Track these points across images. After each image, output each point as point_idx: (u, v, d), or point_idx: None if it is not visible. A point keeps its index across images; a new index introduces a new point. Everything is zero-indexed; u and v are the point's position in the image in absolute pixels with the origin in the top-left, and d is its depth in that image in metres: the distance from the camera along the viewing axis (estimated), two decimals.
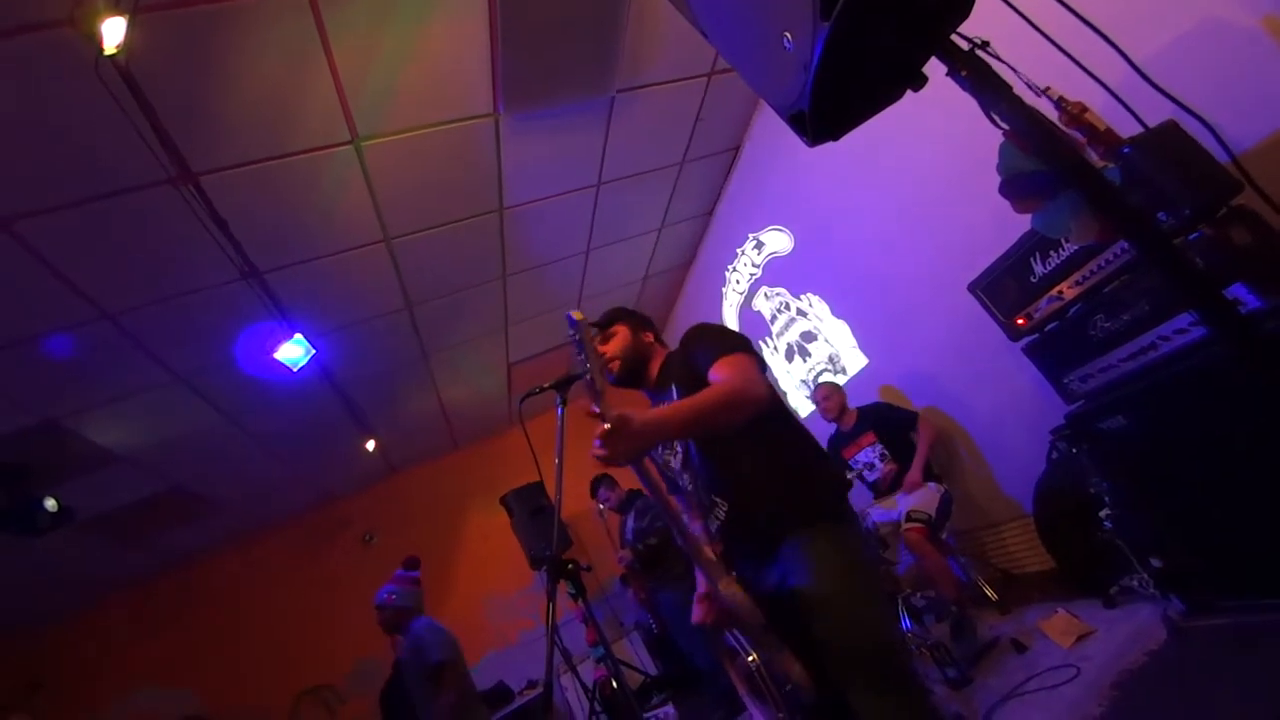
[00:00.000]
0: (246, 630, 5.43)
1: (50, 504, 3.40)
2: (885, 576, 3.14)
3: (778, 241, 4.30)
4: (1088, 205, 1.04)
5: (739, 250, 4.72)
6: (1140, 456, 2.11)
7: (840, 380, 4.17)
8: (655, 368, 1.76)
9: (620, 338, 1.77)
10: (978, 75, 1.12)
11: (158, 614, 5.29)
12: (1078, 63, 1.29)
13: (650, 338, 1.81)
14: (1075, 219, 1.03)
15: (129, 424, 3.60)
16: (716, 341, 1.56)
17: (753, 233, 4.50)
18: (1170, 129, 1.87)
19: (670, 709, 4.75)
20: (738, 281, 4.90)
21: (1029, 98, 1.16)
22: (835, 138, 1.37)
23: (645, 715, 4.75)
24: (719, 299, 5.13)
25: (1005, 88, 1.11)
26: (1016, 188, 1.09)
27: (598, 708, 4.46)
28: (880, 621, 1.40)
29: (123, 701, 4.92)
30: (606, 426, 1.25)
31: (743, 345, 1.56)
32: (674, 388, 1.65)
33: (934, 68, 1.28)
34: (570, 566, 1.62)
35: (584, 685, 4.60)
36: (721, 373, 1.47)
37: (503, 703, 4.88)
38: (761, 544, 1.52)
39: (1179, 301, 1.81)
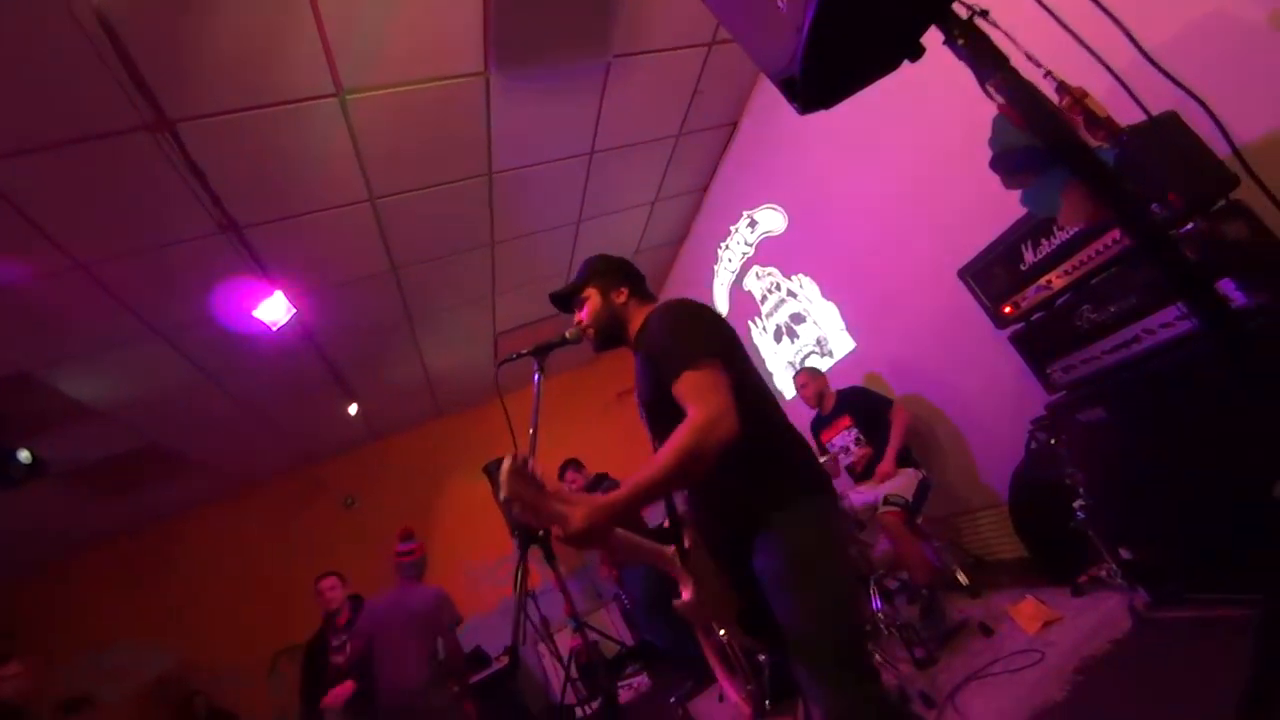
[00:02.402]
0: (225, 588, 5.44)
1: (24, 455, 3.35)
2: (861, 558, 3.16)
3: (772, 220, 4.25)
4: (1079, 185, 1.01)
5: (732, 228, 4.67)
6: (1116, 449, 2.12)
7: (827, 363, 4.17)
8: (635, 326, 1.67)
9: (591, 304, 1.70)
10: (975, 44, 1.08)
11: (134, 569, 5.29)
12: (1082, 42, 1.25)
13: (623, 296, 1.69)
14: (1065, 199, 1.00)
15: (104, 378, 3.54)
16: (684, 344, 1.43)
17: (747, 210, 4.44)
18: (1170, 119, 1.84)
19: (644, 678, 4.83)
20: (730, 260, 4.85)
21: (1027, 71, 1.12)
22: (826, 106, 1.33)
23: (619, 684, 4.83)
24: (710, 277, 5.09)
25: (1002, 58, 1.07)
26: (1007, 163, 1.05)
27: (573, 674, 4.52)
28: (841, 612, 1.37)
29: (97, 655, 4.93)
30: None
31: (712, 349, 1.43)
32: (641, 378, 1.61)
33: (932, 42, 1.24)
34: (541, 534, 1.60)
35: (559, 654, 4.66)
36: (686, 402, 1.36)
37: (480, 667, 4.93)
38: (723, 532, 1.51)
39: (1168, 292, 1.79)
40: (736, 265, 4.78)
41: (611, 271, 1.75)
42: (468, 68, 2.81)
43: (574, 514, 1.27)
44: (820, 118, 3.68)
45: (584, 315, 1.70)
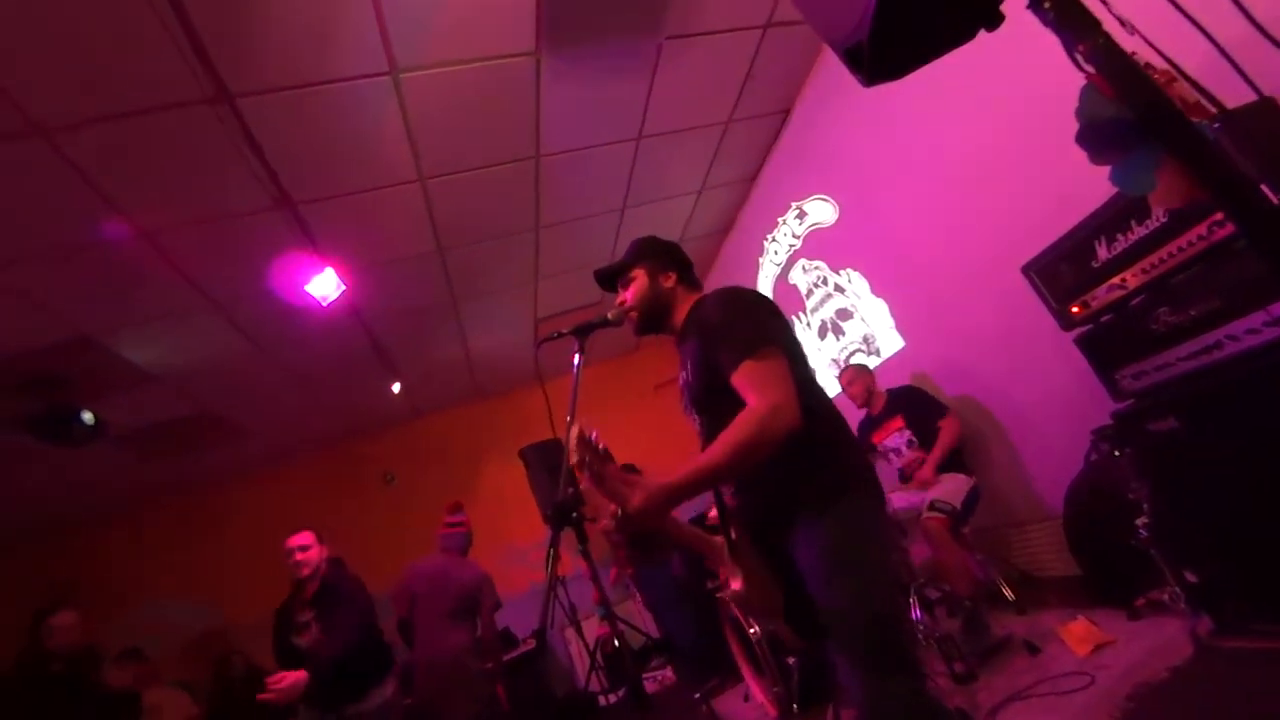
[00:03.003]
0: (267, 553, 5.61)
1: (88, 416, 3.52)
2: (901, 565, 3.05)
3: (821, 212, 4.12)
4: (1175, 162, 0.91)
5: (780, 219, 4.56)
6: (1189, 463, 1.97)
7: (874, 362, 4.04)
8: (681, 314, 1.64)
9: (639, 285, 1.66)
10: (1064, 6, 0.99)
11: (184, 530, 5.52)
12: (1184, 13, 1.13)
13: (671, 280, 1.66)
14: (1159, 176, 0.90)
15: (162, 345, 3.68)
16: (745, 332, 1.40)
17: (796, 201, 4.33)
18: (1264, 106, 1.68)
19: (668, 672, 4.80)
20: (775, 252, 4.74)
21: (1120, 37, 1.03)
22: (894, 77, 1.25)
23: (644, 676, 4.81)
24: (755, 269, 4.99)
25: (1094, 22, 0.97)
26: (1095, 136, 0.96)
27: (598, 662, 4.52)
28: (879, 600, 1.32)
29: (152, 607, 5.18)
30: (616, 513, 1.28)
31: (773, 340, 1.39)
32: (689, 364, 1.57)
33: (1011, 4, 1.15)
34: (575, 516, 1.57)
35: (585, 641, 4.67)
36: (747, 391, 1.33)
37: (508, 648, 4.98)
38: (766, 525, 1.48)
39: (1270, 289, 1.62)
40: (783, 258, 4.67)
41: (661, 254, 1.71)
42: (519, 46, 2.80)
43: (633, 494, 1.27)
44: (877, 106, 3.56)
45: (629, 296, 1.67)
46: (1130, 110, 0.95)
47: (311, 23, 2.35)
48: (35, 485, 4.38)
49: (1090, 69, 0.99)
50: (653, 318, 1.67)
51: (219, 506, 5.71)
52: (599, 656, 4.50)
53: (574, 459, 1.30)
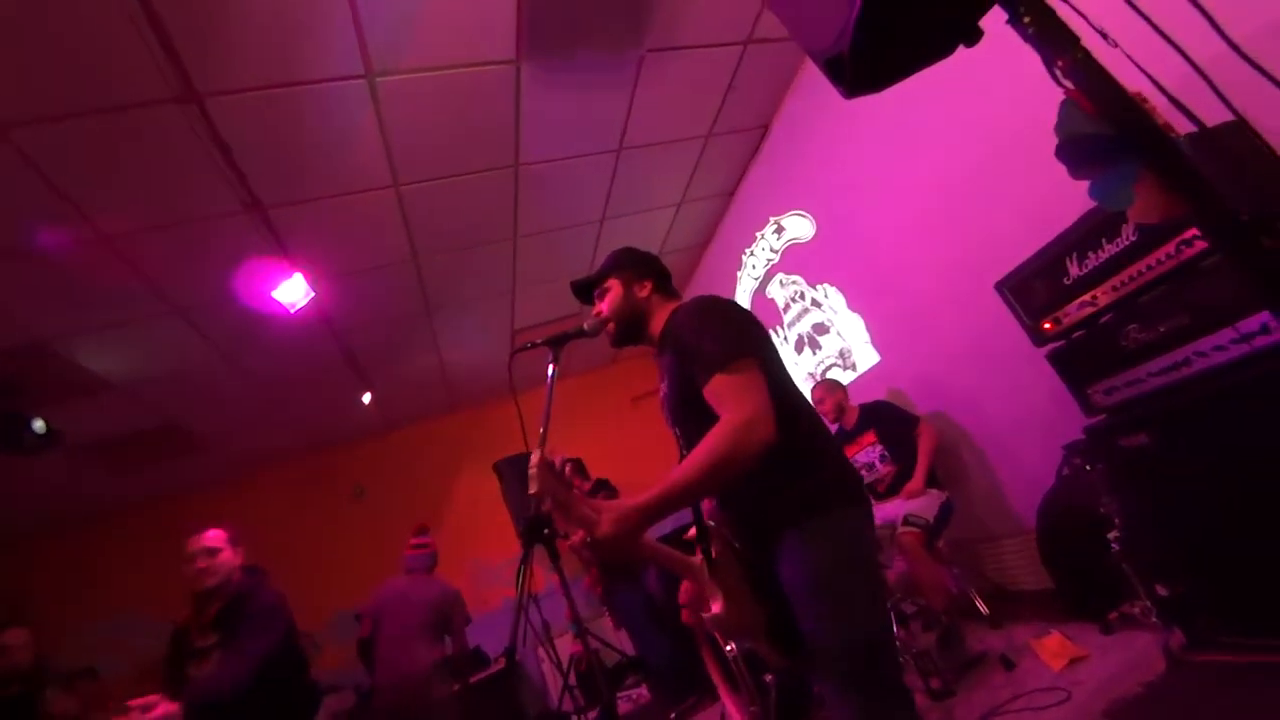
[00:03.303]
0: None
1: (39, 425, 3.36)
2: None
3: (799, 227, 4.16)
4: (1154, 178, 0.91)
5: (758, 234, 4.58)
6: (1159, 478, 2.00)
7: (849, 376, 4.06)
8: (658, 324, 1.59)
9: (613, 295, 1.62)
10: (1043, 22, 1.00)
11: (143, 544, 5.29)
12: (1160, 32, 1.15)
13: (646, 290, 1.63)
14: (1138, 192, 0.91)
15: (121, 352, 3.55)
16: (718, 343, 1.35)
17: (774, 216, 4.36)
18: (1237, 127, 1.73)
19: (643, 690, 4.72)
20: (754, 266, 4.76)
21: (1099, 54, 1.04)
22: (875, 89, 1.25)
23: (619, 694, 4.73)
24: (733, 283, 5.00)
25: (1073, 38, 0.98)
26: (1074, 151, 0.97)
27: (571, 682, 4.42)
28: (865, 623, 1.29)
29: (110, 624, 4.95)
30: (584, 538, 1.22)
31: (747, 351, 1.35)
32: (666, 376, 1.55)
33: (990, 23, 1.15)
34: (546, 532, 1.52)
35: (558, 659, 4.58)
36: (720, 405, 1.29)
37: (480, 667, 4.85)
38: (748, 537, 1.45)
39: (1253, 300, 1.64)
40: (760, 272, 4.69)
41: (637, 264, 1.68)
42: (500, 54, 2.77)
43: (602, 521, 1.21)
44: (854, 124, 3.60)
45: (604, 307, 1.63)
46: (1109, 126, 0.95)
47: (286, 22, 2.30)
48: None
49: (1069, 84, 0.99)
50: (629, 328, 1.63)
51: (182, 520, 5.46)
52: (572, 675, 4.41)
53: (534, 488, 1.24)
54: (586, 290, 1.71)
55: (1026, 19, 1.02)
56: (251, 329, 3.74)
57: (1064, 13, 1.07)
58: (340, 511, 5.89)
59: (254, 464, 5.63)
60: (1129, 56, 1.02)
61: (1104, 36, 1.00)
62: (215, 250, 3.11)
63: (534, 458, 1.27)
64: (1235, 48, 1.03)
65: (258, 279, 3.28)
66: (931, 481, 3.14)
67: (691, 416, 1.43)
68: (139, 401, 4.01)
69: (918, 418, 3.29)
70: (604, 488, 4.58)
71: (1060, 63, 1.00)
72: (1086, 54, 0.98)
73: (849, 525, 1.35)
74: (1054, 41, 1.00)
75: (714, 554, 1.44)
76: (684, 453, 1.52)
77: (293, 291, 3.27)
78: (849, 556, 1.32)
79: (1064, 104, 0.97)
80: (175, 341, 3.63)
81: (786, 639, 1.38)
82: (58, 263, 2.81)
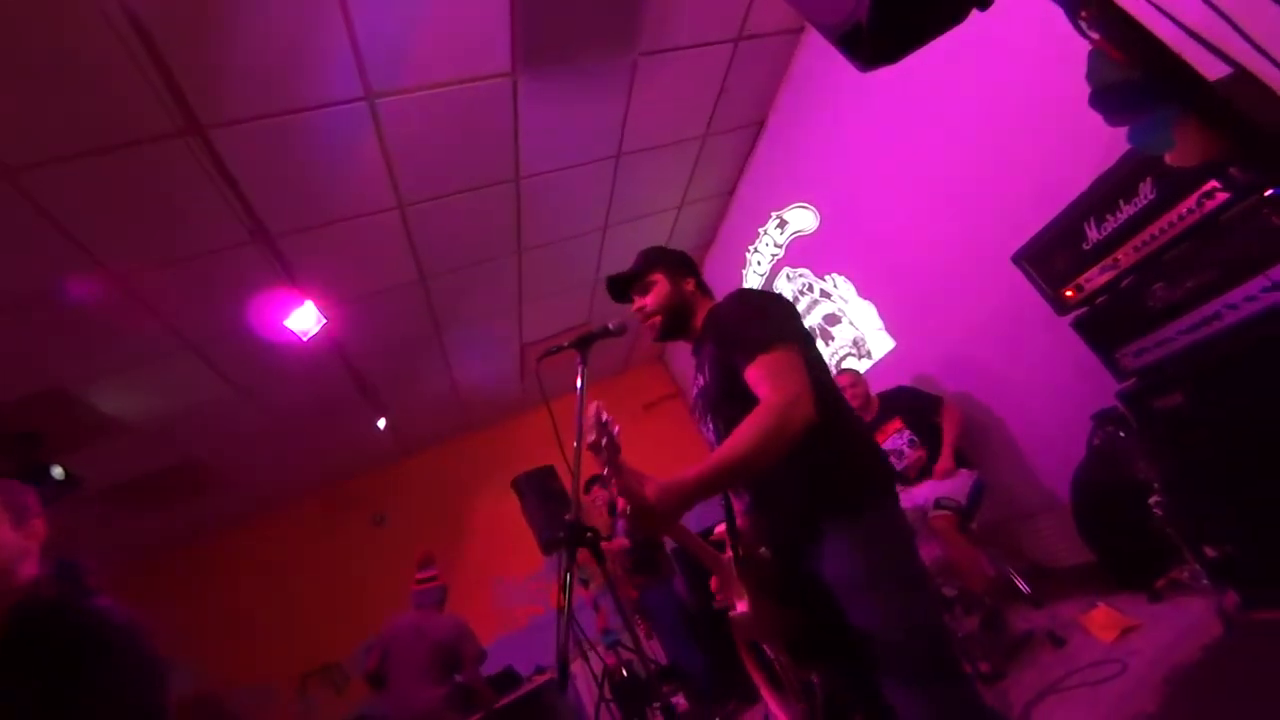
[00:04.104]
0: (255, 606, 5.41)
1: (58, 472, 3.36)
2: None
3: (802, 220, 4.15)
4: (1193, 119, 0.90)
5: (761, 230, 4.58)
6: (1198, 437, 1.96)
7: (865, 365, 4.03)
8: (699, 319, 1.61)
9: (659, 289, 1.62)
10: None
11: (166, 586, 5.28)
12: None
13: (691, 285, 1.65)
14: (1177, 134, 0.89)
15: (137, 392, 3.55)
16: (760, 328, 1.38)
17: (776, 210, 4.35)
18: (1241, 77, 1.71)
19: (681, 699, 4.66)
20: (759, 263, 4.76)
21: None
22: (892, 60, 1.24)
23: (655, 706, 4.66)
24: (739, 281, 4.99)
25: None
26: (1108, 99, 0.95)
27: (607, 695, 4.37)
28: (923, 612, 1.29)
29: None
30: (627, 509, 1.19)
31: (786, 334, 1.37)
32: (706, 368, 1.54)
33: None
34: (590, 535, 1.50)
35: (593, 672, 4.52)
36: (761, 385, 1.30)
37: (511, 686, 4.79)
38: (784, 538, 1.43)
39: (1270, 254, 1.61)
40: (766, 268, 4.68)
41: (678, 261, 1.70)
42: (495, 68, 2.79)
43: (646, 488, 1.19)
44: (851, 109, 3.60)
45: (649, 301, 1.62)
46: (1141, 72, 0.94)
47: (283, 49, 2.32)
48: None
49: (1095, 35, 0.98)
50: (676, 321, 1.63)
51: (202, 560, 5.48)
52: (607, 688, 4.35)
53: (591, 438, 1.21)
54: (624, 285, 1.69)
55: None
56: (265, 360, 3.74)
57: None
58: (362, 539, 5.87)
59: (272, 499, 5.62)
60: (1153, 3, 1.01)
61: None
62: (225, 283, 3.12)
63: (590, 408, 1.26)
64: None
65: (269, 309, 3.28)
66: (961, 461, 3.11)
67: (731, 409, 1.41)
68: (156, 442, 4.00)
69: (940, 398, 3.26)
70: (613, 511, 4.58)
71: (1084, 13, 0.98)
72: (1110, 2, 0.97)
73: (890, 516, 1.35)
74: None
75: (741, 552, 1.42)
76: (717, 444, 1.51)
77: (304, 319, 3.27)
78: (898, 546, 1.32)
79: (1092, 54, 0.96)
80: (189, 378, 3.62)
81: (811, 647, 1.36)
82: (69, 306, 2.81)
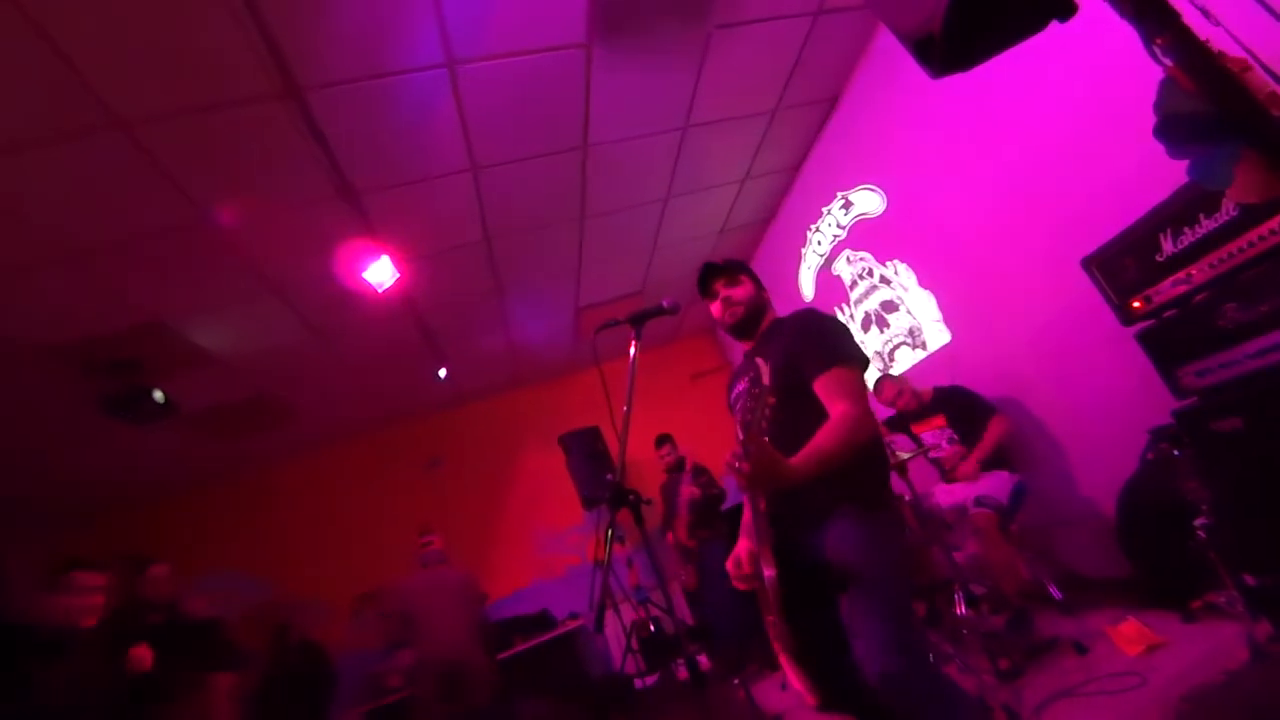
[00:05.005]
0: (318, 531, 5.87)
1: (158, 395, 3.72)
2: (946, 561, 3.02)
3: (868, 202, 4.07)
4: (1255, 157, 0.90)
5: (825, 209, 4.51)
6: (1253, 464, 1.92)
7: (918, 355, 3.99)
8: (764, 326, 1.85)
9: (747, 289, 1.86)
10: (1141, 0, 0.98)
11: (239, 506, 5.80)
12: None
13: (768, 296, 1.93)
14: (1238, 171, 0.90)
15: (225, 329, 3.87)
16: (831, 347, 1.60)
17: (842, 191, 4.28)
18: None
19: (703, 658, 4.86)
20: (819, 243, 4.70)
21: (1200, 29, 1.01)
22: (965, 68, 1.25)
23: (679, 662, 4.88)
24: (797, 260, 4.95)
25: (1173, 14, 0.97)
26: (1173, 130, 0.96)
27: (634, 646, 4.61)
28: (897, 578, 1.54)
29: (212, 579, 5.45)
30: (745, 466, 1.32)
31: (855, 356, 1.61)
32: (764, 367, 1.65)
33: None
34: (631, 499, 1.64)
35: (623, 624, 4.76)
36: (835, 399, 1.51)
37: (546, 628, 5.11)
38: (802, 519, 1.59)
39: None
40: (826, 248, 4.63)
41: (758, 277, 1.96)
42: (571, 38, 2.83)
43: (780, 465, 1.35)
44: (928, 94, 3.51)
45: (739, 293, 1.85)
46: (1210, 104, 0.94)
47: (374, 17, 2.43)
48: (103, 464, 4.67)
49: (1169, 62, 0.98)
50: (752, 319, 1.84)
51: (274, 486, 5.98)
52: (634, 640, 4.59)
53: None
54: (715, 272, 1.88)
55: None
56: (342, 307, 3.99)
57: None
58: (415, 479, 6.24)
59: (337, 434, 6.03)
60: (1231, 35, 1.00)
61: (1205, 14, 0.98)
62: (311, 233, 3.34)
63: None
64: None
65: (349, 260, 3.50)
66: (1002, 464, 3.09)
67: (786, 406, 1.56)
68: (239, 375, 4.36)
69: (994, 409, 3.22)
70: (700, 473, 4.85)
71: (1159, 40, 0.98)
72: (1187, 30, 0.97)
73: (892, 518, 1.61)
74: (1152, 17, 0.98)
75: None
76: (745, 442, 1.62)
77: (381, 272, 3.48)
78: (898, 545, 1.65)
79: (1163, 82, 0.96)
80: (271, 318, 3.92)
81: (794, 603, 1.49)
82: (173, 249, 3.08)
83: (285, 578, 5.60)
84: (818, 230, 4.68)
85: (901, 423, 3.59)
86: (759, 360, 1.62)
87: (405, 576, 4.07)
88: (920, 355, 3.99)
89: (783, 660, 2.69)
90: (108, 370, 3.65)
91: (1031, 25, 1.22)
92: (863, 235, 4.23)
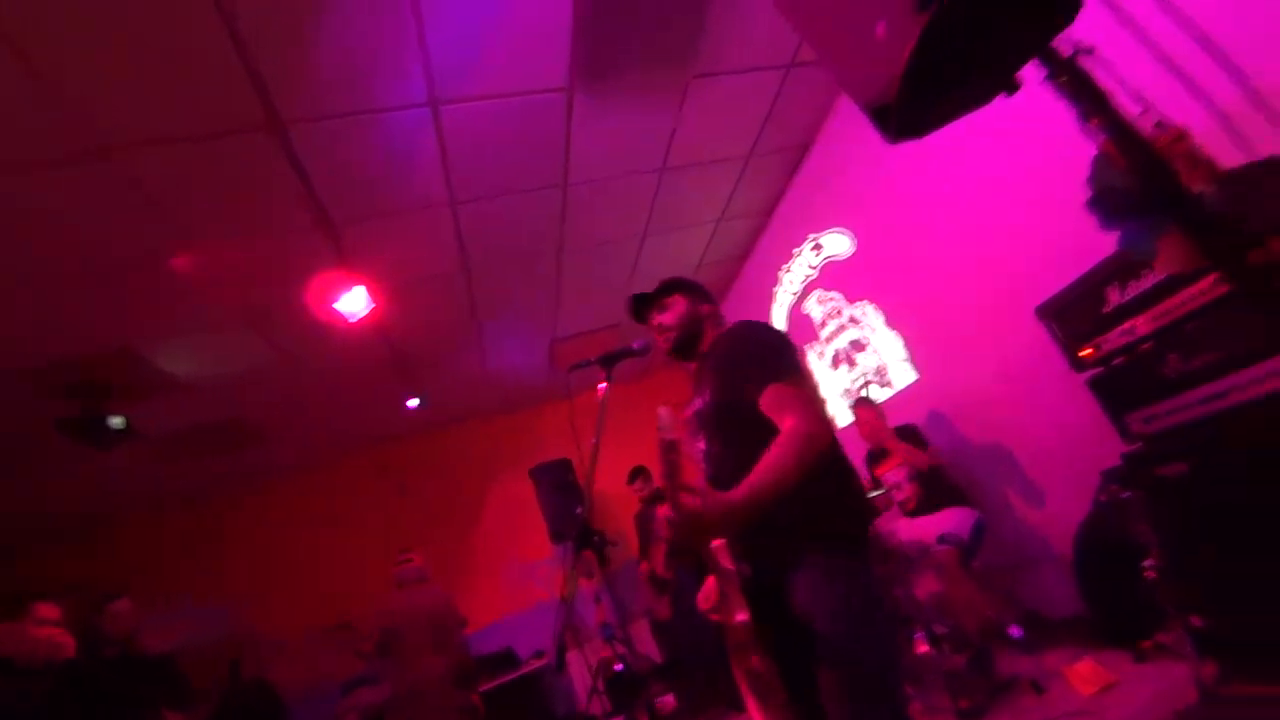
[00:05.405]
0: (280, 561, 5.70)
1: (117, 421, 3.62)
2: (906, 600, 3.07)
3: (838, 245, 4.22)
4: (1177, 231, 0.99)
5: (796, 250, 4.65)
6: (1197, 509, 2.01)
7: (886, 394, 4.09)
8: (707, 343, 1.76)
9: (678, 308, 1.77)
10: (1077, 83, 1.08)
11: (201, 534, 5.60)
12: (1188, 82, 1.22)
13: (707, 309, 1.80)
14: (1162, 244, 0.98)
15: (196, 355, 3.80)
16: (771, 361, 1.49)
17: (814, 234, 4.42)
18: (1276, 162, 1.75)
19: (670, 698, 4.78)
20: (791, 282, 4.83)
21: (1130, 111, 1.11)
22: (918, 136, 1.34)
23: (651, 702, 4.80)
24: (770, 298, 5.07)
25: (1104, 98, 1.06)
26: (1105, 203, 1.04)
27: (599, 686, 4.52)
28: (875, 656, 1.36)
29: (167, 608, 5.23)
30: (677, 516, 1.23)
31: (797, 370, 1.49)
32: (708, 390, 1.63)
33: (1027, 73, 1.23)
34: (596, 539, 1.64)
35: (588, 663, 4.68)
36: (781, 410, 1.39)
37: (509, 668, 4.99)
38: (765, 564, 1.47)
39: (1271, 345, 1.68)
40: (798, 287, 4.75)
41: (697, 288, 1.86)
42: (553, 83, 2.92)
43: (694, 501, 1.24)
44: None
45: (668, 318, 1.77)
46: (1138, 181, 1.03)
47: (360, 55, 2.49)
48: (68, 487, 4.51)
49: (1101, 140, 1.07)
50: (688, 339, 1.77)
51: (237, 513, 5.80)
52: (599, 680, 4.51)
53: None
54: (645, 302, 1.83)
55: (1062, 79, 1.10)
56: (315, 335, 3.96)
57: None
58: (385, 506, 6.11)
59: (307, 458, 5.90)
60: (1158, 120, 1.09)
61: (1138, 101, 1.07)
62: (286, 263, 3.33)
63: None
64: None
65: (323, 290, 3.49)
66: (962, 500, 3.17)
67: (724, 424, 1.54)
68: (207, 400, 4.27)
69: (926, 444, 3.38)
70: (662, 497, 4.76)
71: (1093, 120, 1.07)
72: (1116, 114, 1.06)
73: (865, 562, 1.43)
74: (1086, 100, 1.07)
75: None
76: (715, 462, 1.60)
77: (355, 302, 3.47)
78: (865, 597, 1.40)
79: (1096, 158, 1.05)
80: (244, 345, 3.86)
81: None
82: (145, 275, 3.05)
83: (244, 609, 5.40)
84: (789, 270, 4.81)
85: (869, 464, 3.66)
86: (702, 383, 1.58)
87: (382, 598, 3.89)
88: (888, 394, 4.09)
89: (748, 702, 2.66)
90: (71, 394, 3.55)
91: (979, 98, 1.31)
92: (833, 276, 4.37)
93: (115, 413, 3.48)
